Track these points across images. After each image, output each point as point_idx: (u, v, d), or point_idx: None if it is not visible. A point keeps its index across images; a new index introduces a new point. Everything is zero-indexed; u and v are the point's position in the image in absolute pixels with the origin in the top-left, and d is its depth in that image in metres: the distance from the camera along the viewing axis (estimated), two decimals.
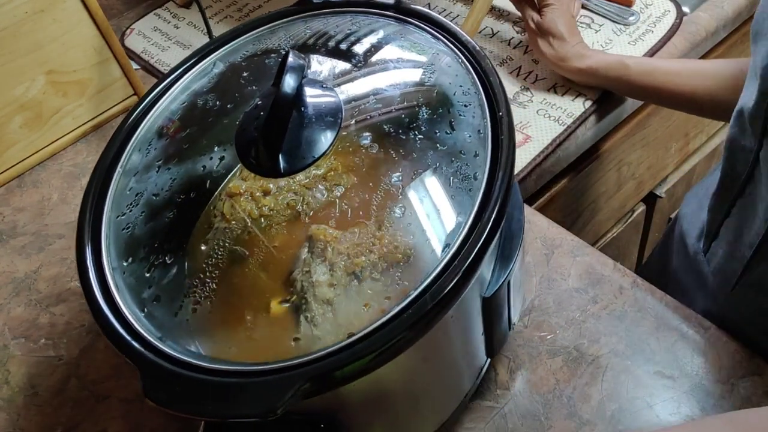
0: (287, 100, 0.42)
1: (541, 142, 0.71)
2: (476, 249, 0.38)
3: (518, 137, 0.71)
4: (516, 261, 0.46)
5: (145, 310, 0.41)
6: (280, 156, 0.43)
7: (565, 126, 0.72)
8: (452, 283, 0.37)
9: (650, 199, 0.98)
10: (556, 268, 0.61)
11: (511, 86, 0.76)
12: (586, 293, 0.59)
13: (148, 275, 0.42)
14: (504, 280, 0.45)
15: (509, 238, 0.47)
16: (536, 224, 0.64)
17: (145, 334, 0.40)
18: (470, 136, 0.43)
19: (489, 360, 0.53)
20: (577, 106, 0.73)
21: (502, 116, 0.43)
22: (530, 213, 0.66)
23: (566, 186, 0.77)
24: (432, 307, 0.37)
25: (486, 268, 0.44)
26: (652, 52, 0.77)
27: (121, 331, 0.40)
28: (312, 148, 0.43)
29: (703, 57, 0.85)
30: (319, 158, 0.43)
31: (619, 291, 0.59)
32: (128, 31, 0.93)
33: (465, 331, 0.46)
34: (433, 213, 0.41)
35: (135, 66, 0.85)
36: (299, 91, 0.44)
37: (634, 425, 0.51)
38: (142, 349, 0.39)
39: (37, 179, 0.77)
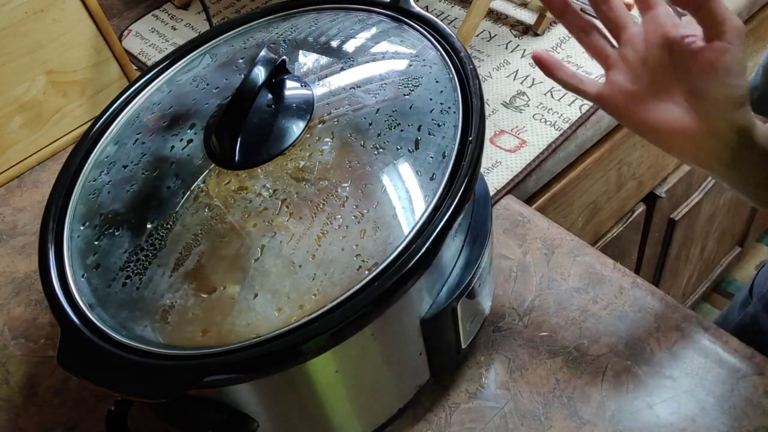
0: (249, 92, 0.42)
1: (536, 146, 0.70)
2: (392, 281, 0.38)
3: (514, 142, 0.71)
4: (469, 286, 0.46)
5: (85, 275, 0.42)
6: (237, 146, 0.43)
7: (561, 131, 0.71)
8: (360, 308, 0.38)
9: (650, 199, 0.98)
10: (556, 268, 0.61)
11: (507, 90, 0.76)
12: (586, 293, 0.59)
13: (96, 243, 0.43)
14: (447, 306, 0.45)
15: (470, 265, 0.46)
16: (536, 224, 0.64)
17: (78, 299, 0.41)
18: (432, 158, 0.43)
19: (431, 378, 0.52)
20: (573, 111, 0.73)
21: (472, 141, 0.42)
22: (530, 213, 0.66)
23: (566, 186, 0.77)
24: (338, 325, 0.37)
25: (417, 294, 0.44)
26: None
27: (57, 290, 0.41)
28: (275, 143, 0.44)
29: None
30: (277, 155, 0.43)
31: (619, 291, 0.59)
32: (126, 32, 0.93)
33: (393, 350, 0.46)
34: (383, 223, 0.41)
35: (132, 68, 0.85)
36: (270, 84, 0.45)
37: (634, 425, 0.51)
38: (69, 311, 0.40)
39: (38, 179, 0.77)
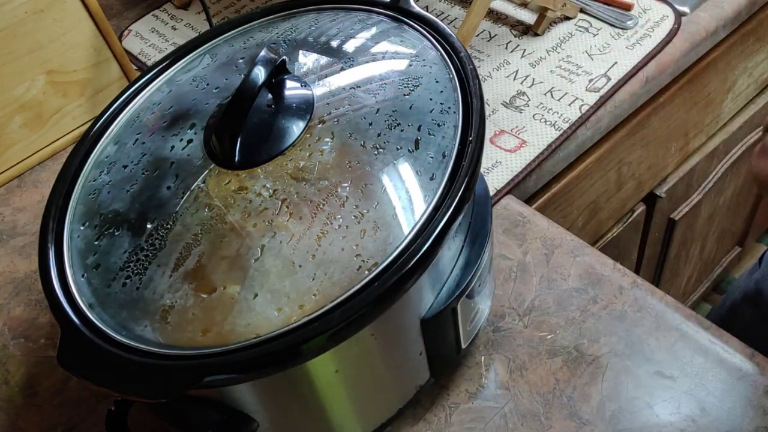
0: (249, 92, 0.42)
1: (536, 147, 0.70)
2: (390, 282, 0.38)
3: (514, 142, 0.71)
4: (469, 286, 0.46)
5: (85, 275, 0.42)
6: (237, 146, 0.43)
7: (561, 131, 0.71)
8: (358, 310, 0.38)
9: (650, 199, 0.98)
10: (556, 268, 0.61)
11: (507, 90, 0.76)
12: (586, 293, 0.59)
13: (96, 243, 0.43)
14: (447, 306, 0.45)
15: (470, 265, 0.46)
16: (536, 224, 0.64)
17: (78, 299, 0.41)
18: (432, 158, 0.42)
19: (431, 378, 0.52)
20: (573, 111, 0.73)
21: (472, 141, 0.42)
22: (530, 213, 0.66)
23: (566, 186, 0.77)
24: (338, 325, 0.37)
25: (417, 294, 0.44)
26: (649, 57, 0.77)
27: (57, 290, 0.41)
28: (275, 143, 0.44)
29: (703, 57, 0.85)
30: (277, 155, 0.43)
31: (619, 291, 0.59)
32: (126, 32, 0.93)
33: (393, 350, 0.46)
34: (383, 224, 0.40)
35: (132, 68, 0.85)
36: (270, 84, 0.45)
37: (634, 425, 0.51)
38: (69, 311, 0.40)
39: (38, 179, 0.77)
